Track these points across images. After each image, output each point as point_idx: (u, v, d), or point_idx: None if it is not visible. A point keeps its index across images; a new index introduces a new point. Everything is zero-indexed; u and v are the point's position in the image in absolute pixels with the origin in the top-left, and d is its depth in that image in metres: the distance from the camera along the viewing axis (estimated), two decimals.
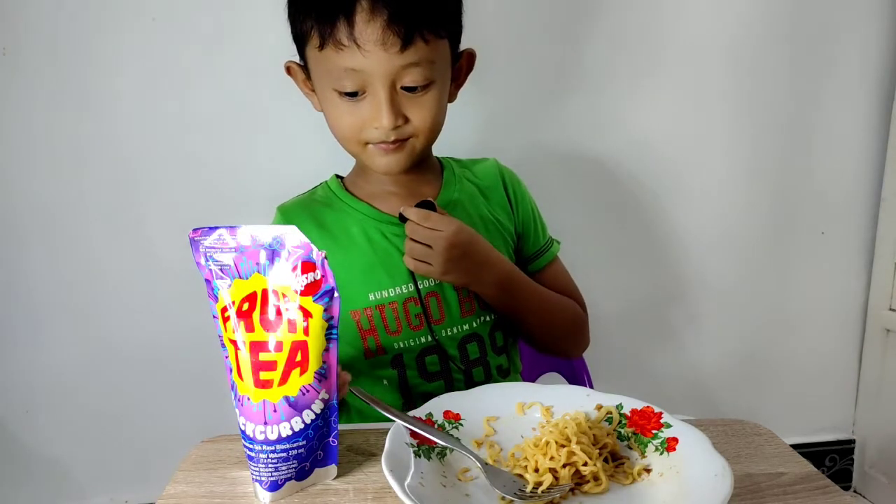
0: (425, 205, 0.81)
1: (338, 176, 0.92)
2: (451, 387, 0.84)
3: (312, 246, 0.56)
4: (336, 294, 0.57)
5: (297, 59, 0.83)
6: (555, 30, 1.24)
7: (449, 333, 0.84)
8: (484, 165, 0.94)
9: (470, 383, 0.84)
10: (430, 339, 0.83)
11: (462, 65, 0.85)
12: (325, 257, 0.56)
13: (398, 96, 0.76)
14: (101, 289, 1.20)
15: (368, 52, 0.72)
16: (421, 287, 0.83)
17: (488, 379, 0.87)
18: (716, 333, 1.45)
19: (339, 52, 0.73)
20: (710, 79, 1.32)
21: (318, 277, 0.56)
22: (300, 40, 0.79)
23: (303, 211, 0.87)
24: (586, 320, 0.95)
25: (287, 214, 0.87)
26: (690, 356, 1.44)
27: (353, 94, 0.76)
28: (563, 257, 0.98)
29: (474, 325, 0.86)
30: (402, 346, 0.83)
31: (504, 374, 0.89)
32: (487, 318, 0.87)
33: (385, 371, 0.83)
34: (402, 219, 0.81)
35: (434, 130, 0.81)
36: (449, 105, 0.85)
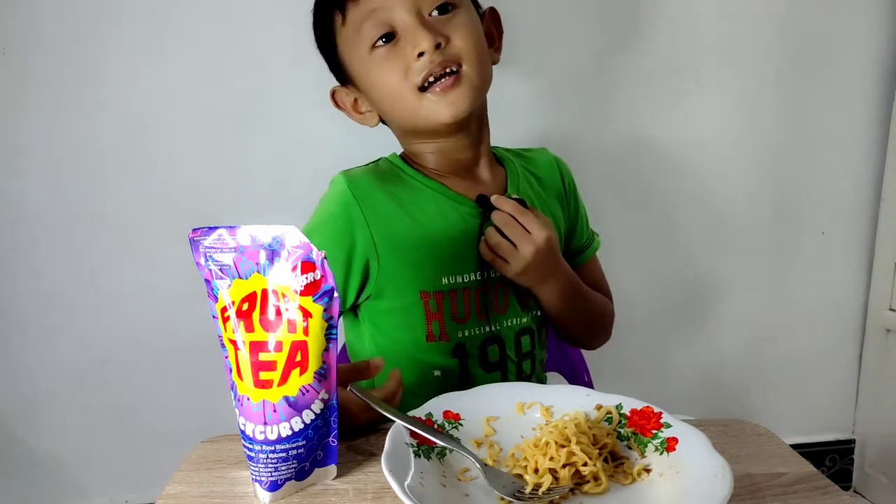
0: (518, 203, 0.80)
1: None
2: (505, 377, 0.83)
3: (312, 246, 0.56)
4: (336, 294, 0.57)
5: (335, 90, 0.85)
6: (563, 25, 1.24)
7: (509, 324, 0.83)
8: (540, 155, 0.93)
9: (520, 375, 0.85)
10: (493, 329, 0.81)
11: (489, 25, 0.84)
12: (325, 257, 0.56)
13: (430, 22, 0.75)
14: (101, 288, 1.20)
15: None
16: (494, 275, 0.81)
17: (533, 372, 0.87)
18: (715, 333, 1.45)
19: (358, 4, 0.75)
20: (710, 79, 1.32)
21: (318, 277, 0.56)
22: (332, 44, 0.81)
23: (373, 180, 0.80)
24: (613, 317, 0.96)
25: (355, 182, 0.78)
26: (690, 356, 1.44)
27: (387, 39, 0.75)
28: None
29: (529, 318, 0.86)
30: (466, 334, 0.80)
31: (543, 369, 0.90)
32: (538, 314, 0.87)
33: (444, 360, 0.80)
34: (482, 204, 0.79)
35: (480, 59, 0.78)
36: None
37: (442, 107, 0.76)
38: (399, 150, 0.89)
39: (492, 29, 0.84)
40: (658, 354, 1.43)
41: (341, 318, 0.86)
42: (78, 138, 1.15)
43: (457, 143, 0.82)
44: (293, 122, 1.20)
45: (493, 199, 0.79)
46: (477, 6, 0.83)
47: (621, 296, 1.35)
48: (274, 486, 0.57)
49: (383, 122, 0.87)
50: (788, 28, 1.33)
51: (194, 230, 0.56)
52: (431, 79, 0.76)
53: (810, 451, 1.52)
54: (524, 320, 0.85)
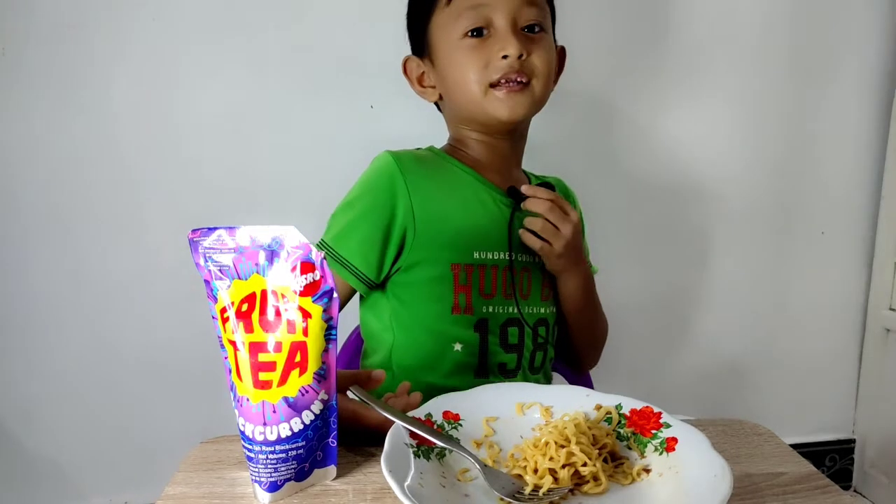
0: (545, 187, 0.87)
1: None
2: (520, 361, 0.87)
3: (311, 246, 0.56)
4: (335, 295, 0.57)
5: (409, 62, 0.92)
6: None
7: (529, 311, 0.87)
8: (554, 180, 1.00)
9: (532, 365, 0.88)
10: (515, 310, 0.86)
11: (557, 58, 0.92)
12: (325, 258, 0.56)
13: (521, 33, 0.84)
14: (101, 290, 1.21)
15: None
16: (521, 259, 0.87)
17: (542, 366, 0.90)
18: (716, 333, 1.45)
19: None
20: (711, 80, 1.33)
21: (318, 278, 0.56)
22: (426, 17, 0.87)
23: (415, 159, 0.87)
24: (606, 339, 1.01)
25: (400, 157, 0.85)
26: (690, 356, 1.44)
27: (478, 33, 0.83)
28: None
29: (547, 311, 0.90)
30: (490, 310, 0.85)
31: (550, 369, 0.93)
32: (554, 310, 0.92)
33: (466, 333, 0.84)
34: (512, 194, 0.86)
35: (548, 83, 0.87)
36: None
37: (503, 106, 0.84)
38: (428, 138, 0.94)
39: (557, 63, 0.92)
40: (658, 354, 1.43)
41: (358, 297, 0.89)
42: (78, 139, 1.15)
43: (499, 142, 0.90)
44: (294, 121, 1.20)
45: (525, 188, 0.86)
46: (553, 23, 0.92)
47: (622, 296, 1.35)
48: (273, 487, 0.57)
49: (437, 105, 0.95)
50: (789, 29, 1.33)
51: (193, 231, 0.56)
52: (504, 80, 0.83)
53: (810, 451, 1.52)
54: (542, 310, 0.89)
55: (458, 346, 0.83)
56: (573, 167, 1.28)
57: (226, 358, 0.57)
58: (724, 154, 1.36)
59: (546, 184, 0.90)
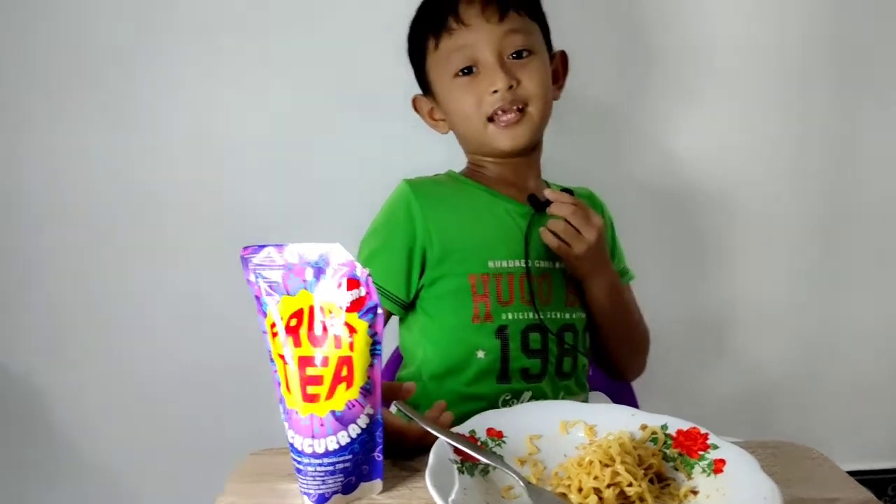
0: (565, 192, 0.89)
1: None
2: (545, 367, 0.87)
3: (356, 263, 0.57)
4: (379, 311, 0.58)
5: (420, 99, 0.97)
6: (594, 42, 1.24)
7: (552, 316, 0.89)
8: (581, 190, 1.01)
9: (559, 370, 0.89)
10: (535, 315, 0.87)
11: (558, 64, 0.96)
12: (370, 274, 0.57)
13: (507, 64, 0.87)
14: (157, 306, 1.24)
15: (473, 26, 0.87)
16: (538, 265, 0.89)
17: (573, 372, 0.91)
18: (766, 353, 1.40)
19: (451, 37, 0.88)
20: (756, 96, 1.30)
21: (363, 294, 0.57)
22: (421, 61, 0.93)
23: (431, 183, 0.93)
24: (649, 344, 1.00)
25: (414, 184, 0.91)
26: (739, 376, 1.40)
27: (468, 71, 0.88)
28: None
29: (573, 316, 0.91)
30: (509, 317, 0.86)
31: (584, 376, 0.93)
32: (583, 315, 0.93)
33: (487, 341, 0.86)
34: (534, 204, 0.89)
35: (545, 101, 0.90)
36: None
37: (504, 138, 0.89)
38: (454, 160, 0.99)
39: (559, 69, 0.96)
40: (706, 374, 1.39)
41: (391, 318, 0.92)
42: (116, 155, 1.18)
43: (512, 160, 0.93)
44: (338, 139, 1.22)
45: (549, 193, 0.88)
46: (549, 47, 0.95)
47: (670, 315, 1.33)
48: (322, 499, 0.58)
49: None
50: (834, 42, 1.29)
51: (244, 248, 0.59)
52: (500, 112, 0.88)
53: (869, 479, 1.45)
54: (567, 316, 0.90)
55: (481, 354, 0.85)
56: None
57: (275, 371, 0.59)
58: (771, 171, 1.32)
59: (567, 190, 0.92)
